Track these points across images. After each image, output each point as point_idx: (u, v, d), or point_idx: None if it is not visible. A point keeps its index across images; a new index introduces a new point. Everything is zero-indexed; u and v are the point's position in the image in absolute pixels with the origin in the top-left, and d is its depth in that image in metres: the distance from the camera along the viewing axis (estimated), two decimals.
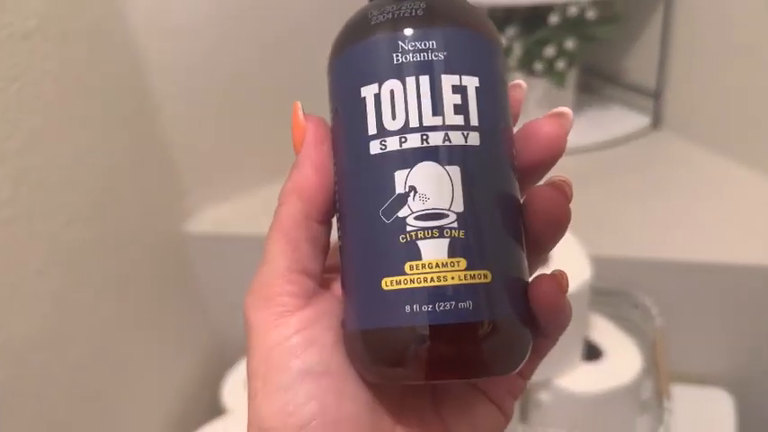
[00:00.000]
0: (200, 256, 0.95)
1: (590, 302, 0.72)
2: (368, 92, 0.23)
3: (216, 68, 0.91)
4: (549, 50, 0.94)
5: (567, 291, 0.24)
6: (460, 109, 0.23)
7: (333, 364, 0.24)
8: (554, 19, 0.93)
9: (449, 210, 0.22)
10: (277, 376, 0.23)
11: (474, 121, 0.23)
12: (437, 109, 0.23)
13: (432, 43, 0.23)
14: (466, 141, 0.23)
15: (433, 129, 0.23)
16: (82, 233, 0.73)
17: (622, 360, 0.73)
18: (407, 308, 0.22)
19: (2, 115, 0.63)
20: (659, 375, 0.72)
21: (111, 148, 0.79)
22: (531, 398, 0.73)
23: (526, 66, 0.98)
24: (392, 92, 0.23)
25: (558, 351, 0.81)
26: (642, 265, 0.81)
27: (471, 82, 0.23)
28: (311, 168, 0.25)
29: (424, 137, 0.23)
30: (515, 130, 0.25)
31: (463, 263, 0.22)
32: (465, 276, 0.22)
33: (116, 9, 0.80)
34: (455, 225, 0.22)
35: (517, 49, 0.95)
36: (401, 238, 0.22)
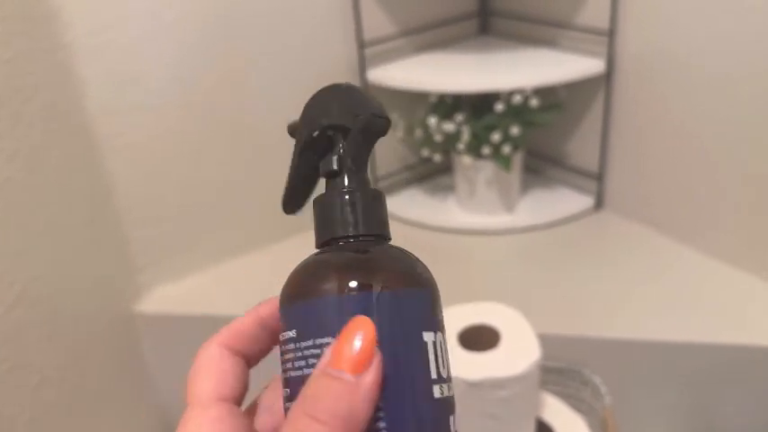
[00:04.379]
0: (150, 336, 0.94)
1: (540, 381, 0.73)
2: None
3: (170, 149, 0.92)
4: (495, 136, 0.98)
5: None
6: None
7: None
8: (499, 107, 0.98)
9: None
10: None
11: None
12: None
13: None
14: None
15: None
16: (28, 314, 0.72)
17: None
18: None
19: None
20: None
21: (63, 228, 0.79)
22: None
23: (474, 149, 1.01)
24: None
25: (511, 430, 0.79)
26: (590, 343, 0.83)
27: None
28: None
29: None
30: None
31: None
32: None
33: (70, 91, 0.81)
34: None
35: (465, 134, 0.99)
36: None
